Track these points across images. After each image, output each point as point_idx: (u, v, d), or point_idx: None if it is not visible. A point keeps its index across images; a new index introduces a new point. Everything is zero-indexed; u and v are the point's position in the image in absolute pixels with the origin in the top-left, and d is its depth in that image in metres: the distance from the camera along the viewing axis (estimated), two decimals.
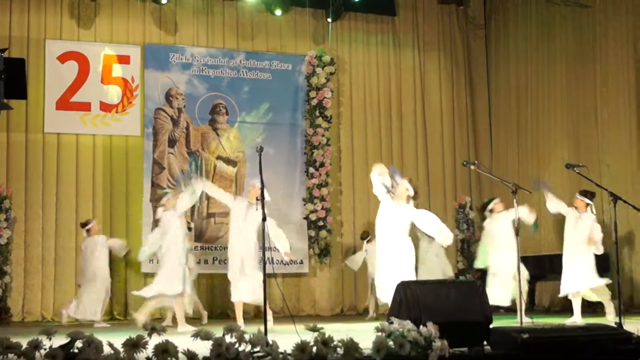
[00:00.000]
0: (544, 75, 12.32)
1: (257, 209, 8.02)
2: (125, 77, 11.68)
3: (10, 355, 3.74)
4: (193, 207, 11.23)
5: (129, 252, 10.85)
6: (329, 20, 12.66)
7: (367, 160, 12.67)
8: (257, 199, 8.13)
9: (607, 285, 8.94)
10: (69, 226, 11.21)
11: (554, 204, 9.20)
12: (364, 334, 4.66)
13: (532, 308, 10.70)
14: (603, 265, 10.60)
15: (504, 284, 9.07)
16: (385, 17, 13.21)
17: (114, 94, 11.60)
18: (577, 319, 8.75)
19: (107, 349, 3.83)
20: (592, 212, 9.05)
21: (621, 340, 4.89)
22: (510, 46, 13.14)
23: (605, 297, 8.97)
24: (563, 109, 11.93)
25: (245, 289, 8.50)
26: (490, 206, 9.80)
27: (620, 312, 6.55)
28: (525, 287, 9.12)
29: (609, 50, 11.10)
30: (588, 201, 9.02)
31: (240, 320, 8.51)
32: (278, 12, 12.36)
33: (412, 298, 5.10)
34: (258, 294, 8.17)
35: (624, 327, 5.60)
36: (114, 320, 11.00)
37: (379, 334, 4.34)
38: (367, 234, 11.09)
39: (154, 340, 3.87)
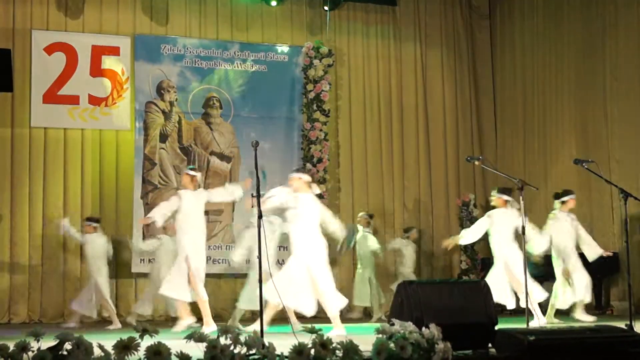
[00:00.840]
0: (551, 67, 12.10)
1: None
2: (115, 69, 11.39)
3: None
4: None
5: (120, 251, 10.70)
6: (326, 8, 12.36)
7: (367, 156, 12.52)
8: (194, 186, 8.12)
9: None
10: (57, 224, 10.83)
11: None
12: (364, 336, 4.62)
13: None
14: (612, 265, 10.28)
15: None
16: (385, 7, 12.92)
17: (103, 86, 11.32)
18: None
19: (97, 351, 3.80)
20: (513, 207, 8.53)
21: (631, 342, 4.79)
22: (516, 37, 12.88)
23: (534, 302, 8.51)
24: (571, 102, 11.72)
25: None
26: (565, 198, 9.11)
27: (630, 314, 6.36)
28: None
29: (619, 41, 10.87)
30: (507, 198, 8.59)
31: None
32: (273, 2, 12.04)
33: (414, 298, 5.00)
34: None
35: (635, 329, 5.51)
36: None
37: (380, 336, 4.32)
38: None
39: (146, 341, 3.84)
